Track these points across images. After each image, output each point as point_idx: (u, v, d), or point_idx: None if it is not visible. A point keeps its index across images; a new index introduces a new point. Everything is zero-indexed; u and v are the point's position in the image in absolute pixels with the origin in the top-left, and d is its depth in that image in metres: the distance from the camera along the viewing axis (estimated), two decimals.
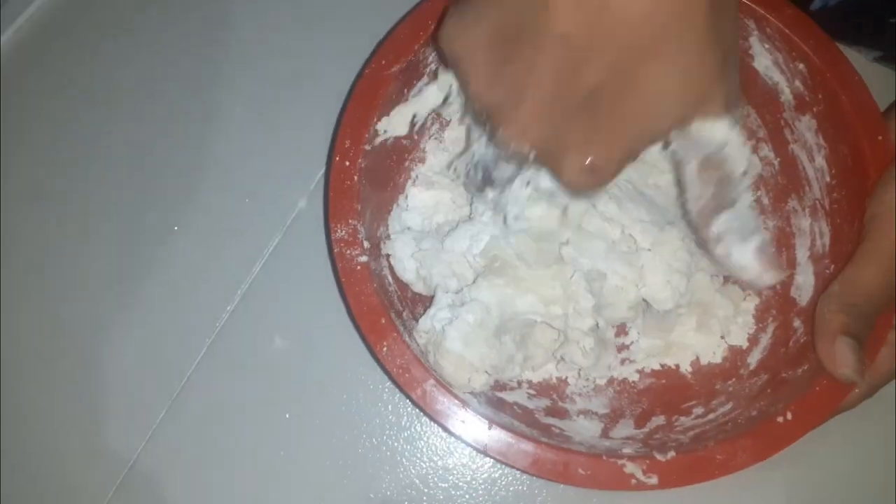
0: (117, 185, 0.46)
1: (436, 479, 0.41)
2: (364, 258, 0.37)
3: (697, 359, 0.42)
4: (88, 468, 0.42)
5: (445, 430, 0.35)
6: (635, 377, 0.42)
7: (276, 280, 0.44)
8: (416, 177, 0.44)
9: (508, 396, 0.40)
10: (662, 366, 0.42)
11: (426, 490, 0.41)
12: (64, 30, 0.49)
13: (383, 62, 0.38)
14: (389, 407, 0.42)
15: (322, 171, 0.46)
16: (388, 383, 0.43)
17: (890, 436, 0.41)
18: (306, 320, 0.43)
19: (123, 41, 0.49)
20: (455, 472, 0.42)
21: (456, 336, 0.36)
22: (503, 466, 0.41)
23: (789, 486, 0.41)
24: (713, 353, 0.42)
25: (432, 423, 0.42)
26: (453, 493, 0.41)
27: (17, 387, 0.43)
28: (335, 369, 0.43)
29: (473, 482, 0.41)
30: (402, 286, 0.41)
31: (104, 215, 0.46)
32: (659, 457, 0.34)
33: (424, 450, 0.42)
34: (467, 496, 0.41)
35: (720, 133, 0.31)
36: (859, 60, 0.45)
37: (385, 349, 0.35)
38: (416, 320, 0.40)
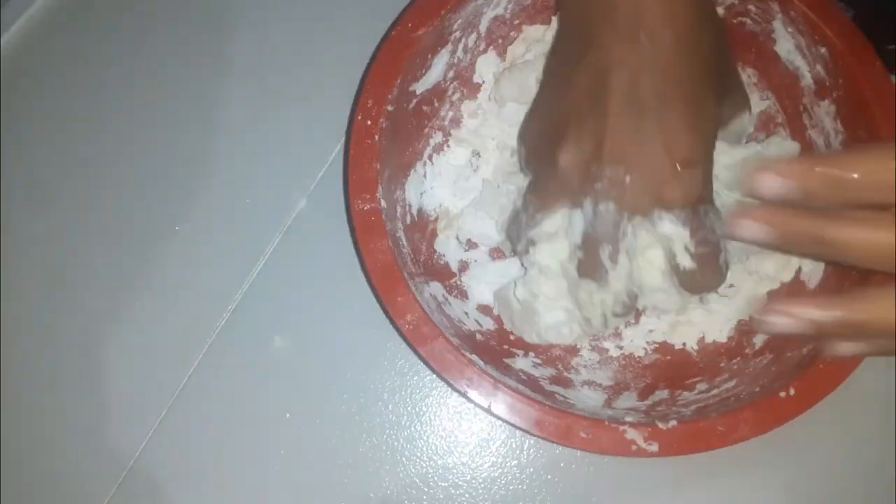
0: (117, 185, 0.46)
1: (436, 478, 0.42)
2: (382, 216, 0.37)
3: (703, 337, 0.42)
4: (88, 468, 0.42)
5: (451, 386, 0.35)
6: (641, 352, 0.43)
7: (277, 280, 0.44)
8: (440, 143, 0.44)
9: (515, 363, 0.41)
10: (669, 342, 0.43)
11: (426, 489, 0.42)
12: (64, 30, 0.49)
13: (409, 25, 0.39)
14: (390, 406, 0.43)
15: (323, 171, 0.46)
16: (389, 382, 0.43)
17: (890, 436, 0.41)
18: (306, 320, 0.43)
19: (123, 41, 0.49)
20: (455, 471, 0.42)
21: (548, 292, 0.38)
22: (503, 465, 0.42)
23: (790, 486, 0.41)
24: (719, 332, 0.42)
25: (433, 423, 0.42)
26: (453, 492, 0.42)
27: (17, 387, 0.43)
28: (335, 369, 0.43)
29: (473, 481, 0.42)
30: (417, 249, 0.42)
31: (104, 215, 0.46)
32: (661, 425, 0.35)
33: (424, 449, 0.42)
34: (467, 495, 0.42)
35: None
36: None
37: (398, 301, 0.36)
38: (428, 284, 0.40)
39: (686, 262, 0.34)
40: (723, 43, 0.36)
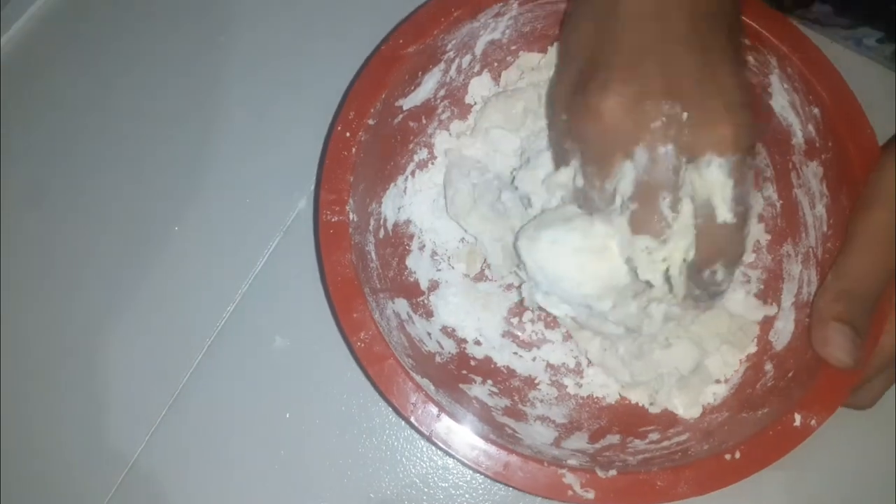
0: (117, 185, 0.46)
1: (436, 478, 0.42)
2: (349, 229, 0.37)
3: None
4: (88, 468, 0.42)
5: (394, 409, 0.35)
6: (601, 392, 0.42)
7: (277, 280, 0.44)
8: (423, 160, 0.44)
9: (470, 390, 0.40)
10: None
11: (426, 489, 0.42)
12: (63, 30, 0.49)
13: (400, 41, 0.39)
14: (390, 407, 0.42)
15: None
16: None
17: (890, 436, 0.41)
18: (306, 320, 0.43)
19: (123, 41, 0.49)
20: (455, 471, 0.42)
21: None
22: None
23: (790, 486, 0.41)
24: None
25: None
26: (453, 492, 0.42)
27: (17, 387, 0.43)
28: (335, 369, 0.43)
29: (473, 482, 0.42)
30: (386, 264, 0.42)
31: (104, 215, 0.46)
32: (600, 473, 0.34)
33: (424, 449, 0.42)
34: (467, 496, 0.41)
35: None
36: (857, 61, 0.45)
37: (354, 317, 0.36)
38: (393, 301, 0.40)
39: (724, 213, 0.32)
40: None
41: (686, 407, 0.40)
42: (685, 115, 0.31)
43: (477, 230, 0.42)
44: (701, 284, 0.34)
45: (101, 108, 0.48)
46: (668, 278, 0.33)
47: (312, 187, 0.46)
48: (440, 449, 0.35)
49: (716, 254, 0.33)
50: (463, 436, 0.35)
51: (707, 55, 0.32)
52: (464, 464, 0.35)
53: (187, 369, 0.43)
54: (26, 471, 0.42)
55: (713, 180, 0.31)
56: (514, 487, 0.34)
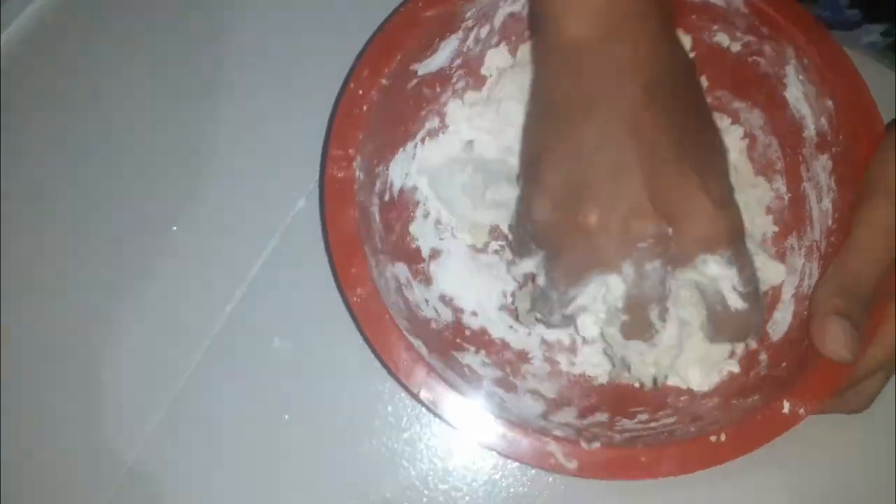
0: (116, 184, 0.46)
1: (436, 480, 0.42)
2: (354, 186, 0.37)
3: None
4: (88, 468, 0.42)
5: (383, 365, 0.35)
6: (594, 371, 0.42)
7: (276, 280, 0.44)
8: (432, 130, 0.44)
9: (463, 357, 0.41)
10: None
11: (426, 492, 0.41)
12: (61, 30, 0.49)
13: (420, 4, 0.39)
14: (389, 408, 0.43)
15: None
16: (389, 384, 0.43)
17: (890, 436, 0.41)
18: (306, 321, 0.43)
19: (123, 41, 0.49)
20: (455, 473, 0.42)
21: None
22: (504, 468, 0.42)
23: (790, 487, 0.41)
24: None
25: (433, 425, 0.42)
26: (453, 494, 0.41)
27: (16, 387, 0.43)
28: (335, 370, 0.43)
29: (473, 484, 0.42)
30: (389, 228, 0.42)
31: (103, 215, 0.45)
32: (584, 445, 0.34)
33: (424, 451, 0.42)
34: (467, 498, 0.41)
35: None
36: (857, 60, 0.44)
37: (352, 272, 0.36)
38: (393, 265, 0.40)
39: (738, 303, 0.34)
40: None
41: (700, 380, 0.40)
42: (670, 229, 0.32)
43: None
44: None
45: (101, 108, 0.47)
46: (655, 378, 0.37)
47: (312, 187, 0.46)
48: (427, 408, 0.35)
49: (740, 335, 0.36)
50: (450, 398, 0.35)
51: (684, 154, 0.31)
52: (449, 424, 0.35)
53: (186, 370, 0.43)
54: (25, 471, 0.42)
55: (714, 275, 0.33)
56: (497, 452, 0.35)
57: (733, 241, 0.32)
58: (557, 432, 0.36)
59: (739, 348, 0.41)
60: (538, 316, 0.37)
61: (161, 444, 0.42)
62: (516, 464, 0.41)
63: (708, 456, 0.34)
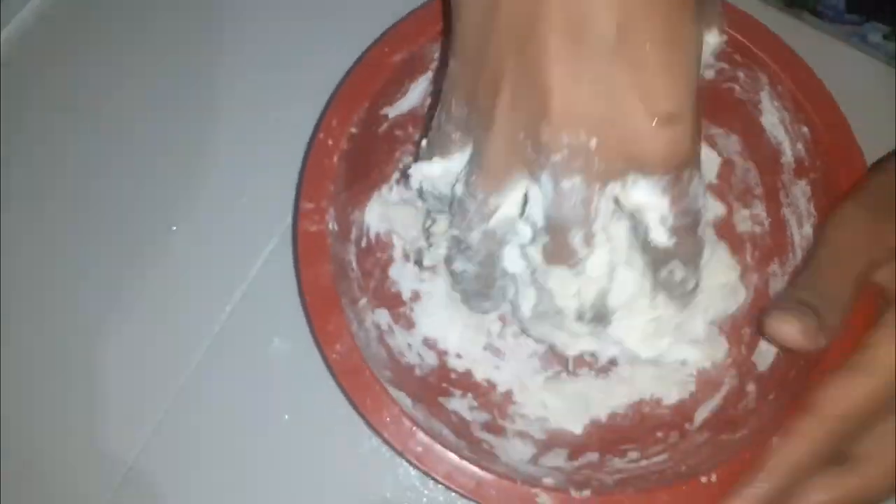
0: (115, 184, 0.46)
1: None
2: (328, 239, 0.37)
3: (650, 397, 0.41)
4: (88, 468, 0.42)
5: (367, 423, 0.35)
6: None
7: (276, 280, 0.44)
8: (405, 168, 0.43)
9: (449, 403, 0.40)
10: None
11: (426, 492, 0.41)
12: (61, 30, 0.49)
13: (386, 49, 0.38)
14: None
15: None
16: None
17: None
18: (305, 321, 0.42)
19: (123, 41, 0.49)
20: None
21: None
22: None
23: None
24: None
25: None
26: (453, 494, 0.40)
27: (16, 387, 0.43)
28: None
29: None
30: (368, 274, 0.41)
31: (102, 215, 0.46)
32: (574, 493, 0.34)
33: None
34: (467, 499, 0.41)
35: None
36: (859, 58, 0.45)
37: (329, 329, 0.35)
38: (373, 312, 0.40)
39: (660, 237, 0.28)
40: None
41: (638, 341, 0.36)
42: (593, 142, 0.26)
43: None
44: (665, 286, 0.31)
45: (100, 108, 0.47)
46: (580, 313, 0.32)
47: None
48: (412, 465, 0.34)
49: (671, 286, 0.31)
50: (436, 452, 0.34)
51: (626, 44, 0.25)
52: (436, 481, 0.34)
53: (186, 370, 0.43)
54: (26, 471, 0.42)
55: (640, 202, 0.28)
56: None
57: (672, 168, 0.26)
58: (548, 480, 0.35)
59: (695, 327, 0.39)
60: (456, 239, 0.32)
61: (161, 443, 0.42)
62: None
63: (698, 498, 0.34)
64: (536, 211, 0.28)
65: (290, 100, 0.47)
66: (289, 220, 0.45)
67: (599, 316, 0.32)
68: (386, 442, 0.34)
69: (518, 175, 0.28)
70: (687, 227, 0.29)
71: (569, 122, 0.26)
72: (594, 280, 0.30)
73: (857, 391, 0.31)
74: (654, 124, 0.25)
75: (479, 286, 0.34)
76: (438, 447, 0.34)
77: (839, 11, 0.43)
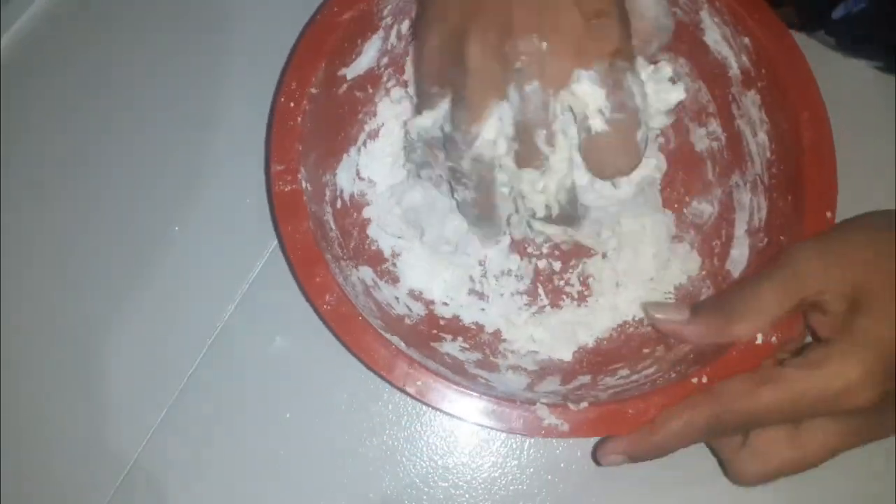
0: (117, 184, 0.46)
1: (436, 478, 0.42)
2: (304, 197, 0.37)
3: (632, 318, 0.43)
4: (89, 468, 0.42)
5: (366, 365, 0.35)
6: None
7: (277, 280, 0.44)
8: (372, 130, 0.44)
9: (441, 346, 0.41)
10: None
11: (426, 489, 0.42)
12: (63, 31, 0.49)
13: (335, 9, 0.39)
14: (390, 406, 0.43)
15: None
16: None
17: (890, 438, 0.41)
18: (306, 320, 0.43)
19: (123, 41, 0.49)
20: (455, 471, 0.42)
21: None
22: (503, 466, 0.42)
23: (790, 488, 0.40)
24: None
25: (432, 423, 0.43)
26: (453, 492, 0.42)
27: (16, 387, 0.43)
28: (335, 369, 0.43)
29: (473, 481, 0.42)
30: (346, 234, 0.42)
31: (104, 215, 0.46)
32: (572, 406, 0.35)
33: (424, 449, 0.42)
34: (467, 495, 0.42)
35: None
36: (858, 66, 0.46)
37: (317, 282, 0.36)
38: (357, 269, 0.41)
39: (598, 124, 0.31)
40: None
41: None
42: (544, 45, 0.31)
43: None
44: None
45: (101, 108, 0.48)
46: (548, 208, 0.35)
47: None
48: (415, 399, 0.35)
49: (604, 166, 0.33)
50: (436, 386, 0.35)
51: None
52: (441, 411, 0.35)
53: (188, 369, 0.43)
54: (26, 471, 0.42)
55: (583, 93, 0.31)
56: (490, 427, 0.35)
57: (604, 55, 0.31)
58: (545, 400, 0.36)
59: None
60: (451, 164, 0.36)
61: (162, 443, 0.42)
62: (515, 462, 0.42)
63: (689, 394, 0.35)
64: (508, 125, 0.33)
65: None
66: None
67: (567, 214, 0.36)
68: (386, 381, 0.35)
69: (492, 102, 0.32)
70: (621, 123, 0.32)
71: (524, 33, 0.31)
72: (557, 173, 0.33)
73: (759, 399, 0.34)
74: (586, 21, 0.30)
75: (480, 210, 0.37)
76: (438, 381, 0.35)
77: (846, 46, 0.44)
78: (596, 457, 0.36)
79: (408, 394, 0.35)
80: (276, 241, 0.45)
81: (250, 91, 0.47)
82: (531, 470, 0.42)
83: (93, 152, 0.47)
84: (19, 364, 0.43)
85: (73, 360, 0.43)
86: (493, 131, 0.33)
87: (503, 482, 0.42)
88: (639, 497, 0.41)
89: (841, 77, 0.43)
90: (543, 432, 0.35)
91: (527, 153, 0.33)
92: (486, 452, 0.42)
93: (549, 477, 0.42)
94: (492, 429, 0.35)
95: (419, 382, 0.35)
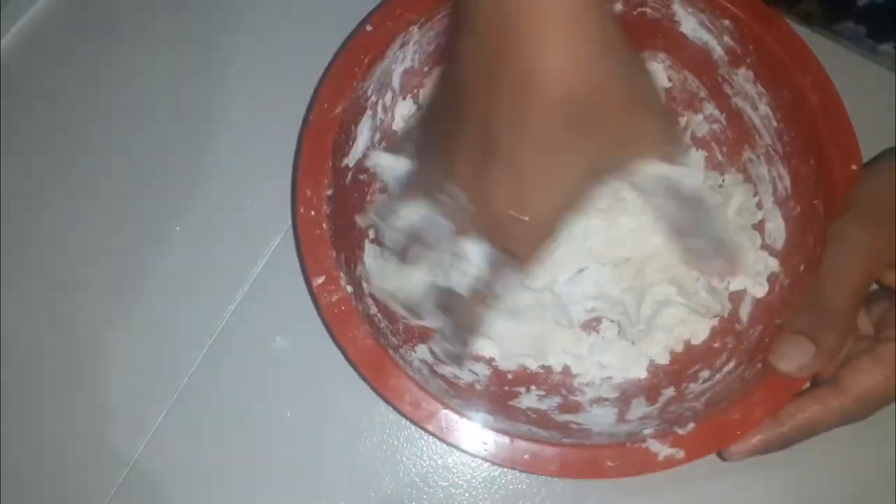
0: (118, 185, 0.46)
1: (436, 477, 0.42)
2: (351, 303, 0.36)
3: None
4: (89, 468, 0.41)
5: (468, 454, 0.35)
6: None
7: (278, 280, 0.44)
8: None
9: (520, 403, 0.40)
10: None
11: (426, 489, 0.42)
12: (64, 31, 0.48)
13: (325, 105, 0.38)
14: (390, 406, 0.42)
15: None
16: None
17: (890, 438, 0.42)
18: (307, 320, 0.43)
19: (124, 41, 0.48)
20: (455, 470, 0.42)
21: None
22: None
23: (790, 487, 0.42)
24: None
25: None
26: (453, 491, 0.42)
27: (17, 387, 0.42)
28: (336, 369, 0.42)
29: (473, 480, 0.42)
30: (391, 316, 0.41)
31: (104, 215, 0.45)
32: (679, 431, 0.35)
33: (424, 448, 0.42)
34: (467, 494, 0.41)
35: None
36: (858, 62, 0.45)
37: (391, 383, 0.35)
38: (415, 350, 0.40)
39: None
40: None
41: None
42: (473, 207, 0.32)
43: None
44: None
45: (101, 108, 0.47)
46: None
47: None
48: (526, 472, 0.35)
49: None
50: (540, 451, 0.35)
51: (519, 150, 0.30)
52: (552, 476, 0.35)
53: (188, 369, 0.43)
54: (26, 471, 0.42)
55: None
56: (609, 478, 0.34)
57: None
58: (647, 430, 0.36)
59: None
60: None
61: (163, 443, 0.42)
62: None
63: (789, 385, 0.35)
64: (414, 219, 0.37)
65: (291, 101, 0.46)
66: (289, 220, 0.45)
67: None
68: (493, 463, 0.35)
69: (419, 197, 0.36)
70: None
71: (461, 184, 0.32)
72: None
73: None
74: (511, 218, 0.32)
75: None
76: (541, 446, 0.35)
77: (858, 36, 0.44)
78: (723, 455, 0.36)
79: (519, 469, 0.35)
80: (276, 241, 0.45)
81: (251, 90, 0.47)
82: None
83: (93, 152, 0.46)
84: (19, 364, 0.43)
85: (74, 360, 0.43)
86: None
87: (503, 481, 0.42)
88: (639, 496, 0.41)
89: (864, 81, 0.43)
90: (662, 466, 0.34)
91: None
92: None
93: (549, 476, 0.41)
94: (611, 478, 0.35)
95: (527, 454, 0.35)
